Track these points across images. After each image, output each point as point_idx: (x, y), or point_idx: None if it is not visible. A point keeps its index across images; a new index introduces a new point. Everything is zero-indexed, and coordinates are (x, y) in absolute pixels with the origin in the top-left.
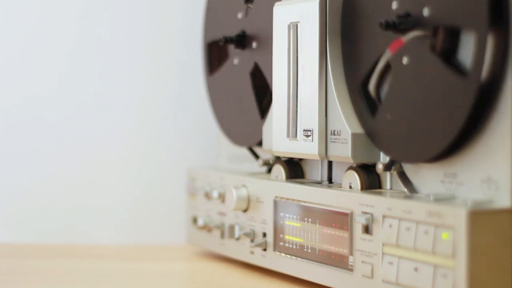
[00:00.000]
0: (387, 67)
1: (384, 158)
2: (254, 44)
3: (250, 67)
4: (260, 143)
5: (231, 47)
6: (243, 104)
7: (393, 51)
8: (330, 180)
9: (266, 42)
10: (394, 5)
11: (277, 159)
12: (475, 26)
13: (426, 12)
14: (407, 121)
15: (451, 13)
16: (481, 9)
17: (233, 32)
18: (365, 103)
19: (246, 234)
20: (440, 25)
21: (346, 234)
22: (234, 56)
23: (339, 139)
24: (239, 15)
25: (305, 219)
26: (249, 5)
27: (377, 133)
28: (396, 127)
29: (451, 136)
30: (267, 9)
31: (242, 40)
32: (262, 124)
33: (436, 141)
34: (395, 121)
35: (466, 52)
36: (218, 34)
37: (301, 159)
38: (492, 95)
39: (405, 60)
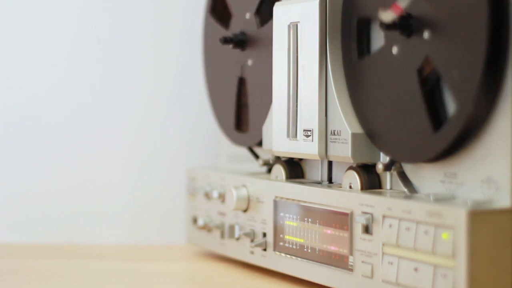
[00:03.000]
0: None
1: (384, 158)
2: (249, 62)
3: (239, 72)
4: (260, 143)
5: (236, 12)
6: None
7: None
8: (330, 180)
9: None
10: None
11: (277, 159)
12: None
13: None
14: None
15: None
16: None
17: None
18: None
19: (246, 234)
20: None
21: (346, 234)
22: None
23: (339, 139)
24: (247, 16)
25: (305, 219)
26: (257, 20)
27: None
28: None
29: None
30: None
31: (242, 42)
32: (238, 134)
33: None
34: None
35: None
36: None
37: (301, 159)
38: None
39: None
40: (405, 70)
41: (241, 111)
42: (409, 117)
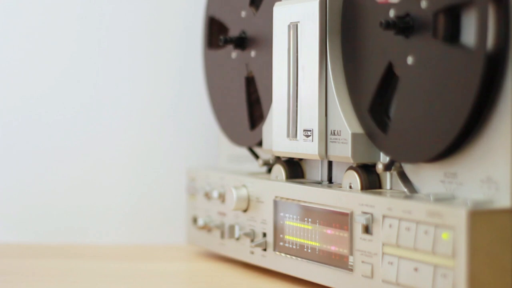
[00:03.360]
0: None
1: (384, 158)
2: (252, 53)
3: (245, 72)
4: (260, 143)
5: (232, 23)
6: (239, 105)
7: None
8: (330, 180)
9: (265, 51)
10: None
11: (277, 159)
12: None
13: (424, 4)
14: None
15: None
16: None
17: (234, 28)
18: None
19: (246, 234)
20: (440, 11)
21: (346, 234)
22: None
23: (339, 139)
24: (243, 14)
25: (305, 219)
26: (254, 11)
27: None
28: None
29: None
30: (270, 17)
31: (242, 42)
32: (250, 133)
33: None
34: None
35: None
36: (220, 13)
37: (301, 159)
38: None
39: (410, 60)
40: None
41: (253, 109)
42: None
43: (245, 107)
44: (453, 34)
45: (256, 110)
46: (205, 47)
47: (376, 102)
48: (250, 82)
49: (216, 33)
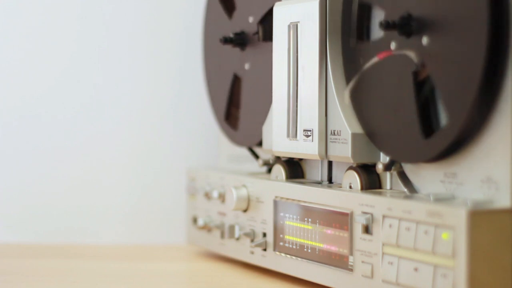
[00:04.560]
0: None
1: (384, 158)
2: (247, 65)
3: (237, 70)
4: (260, 143)
5: (240, 5)
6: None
7: (381, 57)
8: (330, 180)
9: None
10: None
11: (277, 159)
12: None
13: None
14: (407, 121)
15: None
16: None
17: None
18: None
19: (246, 234)
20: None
21: (346, 234)
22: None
23: (339, 139)
24: (250, 19)
25: (305, 219)
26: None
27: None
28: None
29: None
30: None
31: (242, 42)
32: (239, 134)
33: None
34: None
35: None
36: None
37: (301, 159)
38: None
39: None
40: (402, 69)
41: (231, 107)
42: (408, 117)
43: (225, 100)
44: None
45: (234, 111)
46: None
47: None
48: (237, 81)
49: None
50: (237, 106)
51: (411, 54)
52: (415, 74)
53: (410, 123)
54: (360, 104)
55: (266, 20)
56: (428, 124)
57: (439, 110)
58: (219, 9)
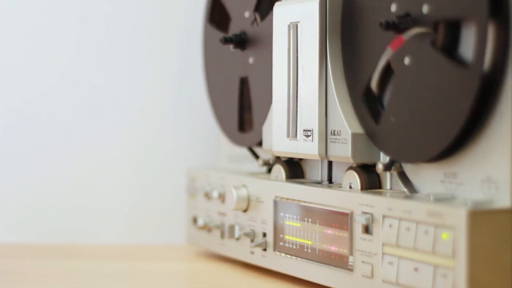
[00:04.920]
0: (388, 68)
1: (384, 158)
2: (251, 60)
3: (242, 72)
4: (260, 143)
5: (235, 14)
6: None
7: (394, 49)
8: (330, 180)
9: (262, 58)
10: (393, 8)
11: (277, 159)
12: (475, 18)
13: (425, 9)
14: (407, 121)
15: (451, 6)
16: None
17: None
18: (366, 104)
19: (246, 234)
20: (440, 21)
21: (346, 234)
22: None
23: (339, 139)
24: (246, 14)
25: (305, 219)
26: (257, 18)
27: (377, 133)
28: (396, 127)
29: (451, 136)
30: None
31: (242, 42)
32: (240, 135)
33: (436, 141)
34: (396, 121)
35: (467, 47)
36: None
37: (301, 159)
38: (493, 90)
39: (406, 60)
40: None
41: (243, 112)
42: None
43: (236, 108)
44: (451, 46)
45: (246, 114)
46: (206, 22)
47: (377, 103)
48: (244, 83)
49: (217, 14)
50: (248, 110)
51: (422, 30)
52: (433, 42)
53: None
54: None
55: (260, 6)
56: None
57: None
58: (214, 31)
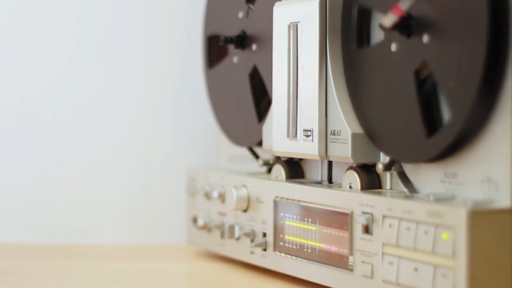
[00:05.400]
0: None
1: (384, 158)
2: (254, 46)
3: (249, 68)
4: (260, 143)
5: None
6: (242, 104)
7: (396, 14)
8: (330, 180)
9: (266, 44)
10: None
11: (277, 159)
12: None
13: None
14: (407, 121)
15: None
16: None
17: (233, 30)
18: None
19: (246, 234)
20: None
21: (346, 234)
22: (234, 54)
23: (339, 139)
24: (240, 14)
25: (305, 219)
26: (250, 6)
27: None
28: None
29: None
30: (268, 10)
31: (242, 41)
32: (260, 126)
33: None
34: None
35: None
36: (219, 28)
37: (301, 159)
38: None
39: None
40: (403, 69)
41: (260, 105)
42: (408, 117)
43: (252, 103)
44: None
45: (262, 102)
46: (206, 68)
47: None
48: (253, 78)
49: (215, 51)
50: (265, 97)
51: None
52: (417, 73)
53: (410, 123)
54: (360, 103)
55: None
56: (428, 123)
57: (440, 110)
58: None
